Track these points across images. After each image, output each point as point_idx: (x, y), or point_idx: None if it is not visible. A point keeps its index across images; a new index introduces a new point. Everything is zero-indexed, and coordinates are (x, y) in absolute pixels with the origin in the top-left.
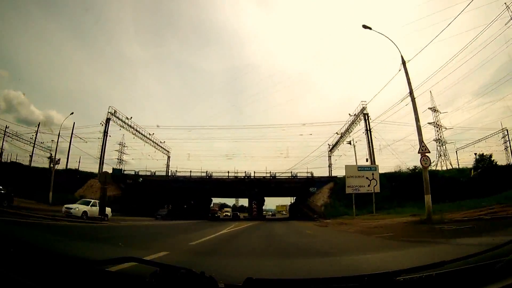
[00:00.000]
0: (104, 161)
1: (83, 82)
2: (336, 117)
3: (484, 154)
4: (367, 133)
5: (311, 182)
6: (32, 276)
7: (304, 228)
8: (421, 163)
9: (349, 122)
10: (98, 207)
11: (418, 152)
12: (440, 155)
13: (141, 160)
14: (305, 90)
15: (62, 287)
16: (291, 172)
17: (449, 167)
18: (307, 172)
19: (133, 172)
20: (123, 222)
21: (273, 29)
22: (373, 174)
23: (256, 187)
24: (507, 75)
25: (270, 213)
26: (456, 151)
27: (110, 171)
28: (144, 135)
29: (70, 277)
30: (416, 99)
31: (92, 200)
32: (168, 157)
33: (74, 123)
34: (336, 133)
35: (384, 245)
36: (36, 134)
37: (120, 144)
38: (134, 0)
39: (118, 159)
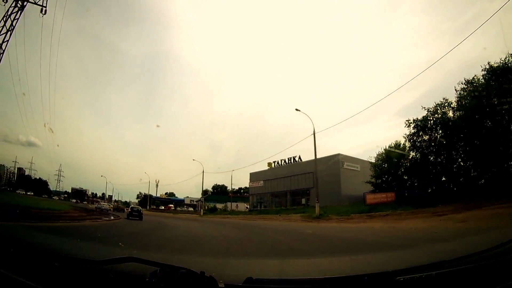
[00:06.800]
0: None
1: None
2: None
3: None
4: None
5: None
6: (32, 276)
7: None
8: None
9: None
10: None
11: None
12: None
13: None
14: (218, 91)
15: (62, 287)
16: None
17: None
18: None
19: None
20: None
21: (200, 19)
22: None
23: None
24: None
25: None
26: None
27: None
28: None
29: (70, 276)
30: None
31: None
32: None
33: None
34: None
35: None
36: None
37: None
38: None
39: None
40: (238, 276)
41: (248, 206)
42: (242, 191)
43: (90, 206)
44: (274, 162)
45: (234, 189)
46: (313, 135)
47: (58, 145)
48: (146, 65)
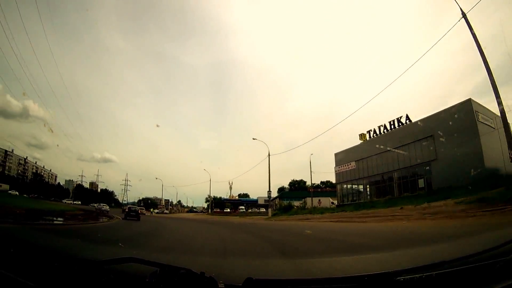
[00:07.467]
0: None
1: (61, 73)
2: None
3: None
4: None
5: None
6: (32, 276)
7: None
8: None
9: None
10: None
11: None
12: None
13: None
14: (289, 91)
15: (62, 287)
16: None
17: None
18: None
19: None
20: None
21: (259, 22)
22: None
23: None
24: None
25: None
26: None
27: None
28: None
29: (70, 277)
30: None
31: None
32: None
33: None
34: None
35: None
36: None
37: None
38: None
39: None
40: (238, 276)
41: (335, 201)
42: (323, 185)
43: (93, 208)
44: (368, 131)
45: (314, 184)
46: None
47: (58, 145)
48: (213, 74)
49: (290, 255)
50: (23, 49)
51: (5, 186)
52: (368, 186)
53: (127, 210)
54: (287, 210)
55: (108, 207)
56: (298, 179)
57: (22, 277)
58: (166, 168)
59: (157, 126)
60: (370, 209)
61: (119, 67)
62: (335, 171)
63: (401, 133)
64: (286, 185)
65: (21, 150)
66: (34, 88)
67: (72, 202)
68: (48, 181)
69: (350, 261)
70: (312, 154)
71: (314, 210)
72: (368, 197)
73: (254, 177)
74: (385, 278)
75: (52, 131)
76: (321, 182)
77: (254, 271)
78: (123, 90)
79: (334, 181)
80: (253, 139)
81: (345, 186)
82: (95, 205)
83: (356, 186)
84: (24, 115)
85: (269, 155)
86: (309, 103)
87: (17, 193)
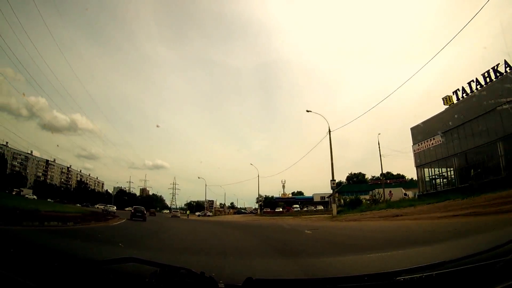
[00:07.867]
0: None
1: (108, 87)
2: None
3: None
4: None
5: None
6: (33, 276)
7: None
8: None
9: None
10: None
11: None
12: None
13: None
14: (338, 86)
15: (62, 287)
16: None
17: None
18: None
19: None
20: None
21: (300, 22)
22: None
23: None
24: None
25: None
26: None
27: None
28: None
29: (70, 277)
30: None
31: None
32: None
33: None
34: None
35: None
36: None
37: None
38: None
39: None
40: (238, 276)
41: (408, 193)
42: (382, 177)
43: (98, 210)
44: (455, 91)
45: (373, 176)
46: None
47: (57, 145)
48: (260, 76)
49: None
50: (74, 65)
51: (27, 191)
52: (461, 165)
53: (133, 210)
54: (355, 205)
55: (115, 208)
56: (356, 172)
57: (22, 277)
58: (216, 171)
59: (157, 126)
60: (496, 192)
61: (166, 76)
62: (414, 150)
63: (501, 86)
64: (343, 179)
65: (66, 162)
66: (85, 102)
67: (103, 206)
68: (95, 188)
69: (350, 261)
70: (379, 133)
71: (394, 204)
72: (459, 179)
73: (308, 176)
74: (385, 278)
75: (52, 133)
76: (381, 174)
77: (254, 271)
78: (172, 97)
79: (394, 173)
80: (307, 111)
81: (426, 170)
82: (102, 206)
83: (444, 167)
84: (72, 128)
85: (329, 131)
86: (360, 97)
87: (34, 197)
